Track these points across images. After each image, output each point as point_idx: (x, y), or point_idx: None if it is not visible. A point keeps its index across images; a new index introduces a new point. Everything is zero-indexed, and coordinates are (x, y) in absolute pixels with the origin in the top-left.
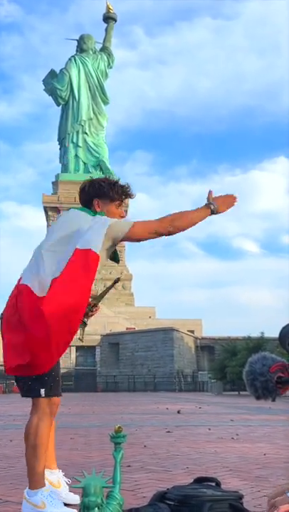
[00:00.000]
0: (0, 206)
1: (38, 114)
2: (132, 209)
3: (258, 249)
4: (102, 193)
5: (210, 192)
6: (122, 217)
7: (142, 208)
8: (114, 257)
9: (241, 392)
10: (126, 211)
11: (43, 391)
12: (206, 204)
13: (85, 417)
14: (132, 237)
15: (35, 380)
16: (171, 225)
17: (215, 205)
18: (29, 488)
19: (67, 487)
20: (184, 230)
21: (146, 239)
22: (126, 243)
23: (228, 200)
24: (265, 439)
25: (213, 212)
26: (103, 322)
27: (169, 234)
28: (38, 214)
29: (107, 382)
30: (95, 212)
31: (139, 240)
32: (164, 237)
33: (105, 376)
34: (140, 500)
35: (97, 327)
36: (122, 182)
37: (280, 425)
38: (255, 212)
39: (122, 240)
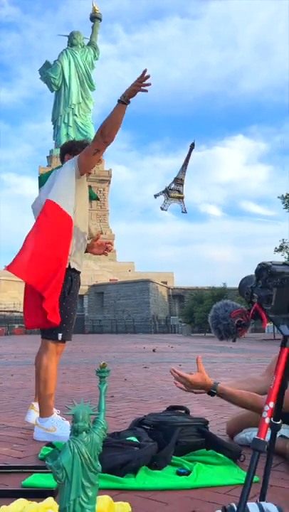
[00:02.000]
0: (1, 177)
1: (33, 99)
2: (114, 179)
3: (220, 213)
4: (70, 148)
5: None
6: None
7: (122, 178)
8: (91, 195)
9: (207, 334)
10: (109, 181)
11: (60, 335)
12: (118, 100)
13: (75, 355)
14: (85, 166)
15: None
16: (102, 137)
17: (125, 96)
18: (40, 417)
19: (59, 416)
20: (115, 132)
21: (96, 159)
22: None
23: (135, 87)
24: (227, 373)
25: (126, 102)
26: (90, 275)
27: (107, 143)
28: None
29: (93, 325)
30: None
31: (92, 165)
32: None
33: (92, 320)
34: (121, 426)
35: (84, 279)
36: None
37: (239, 362)
38: (217, 181)
39: (82, 173)
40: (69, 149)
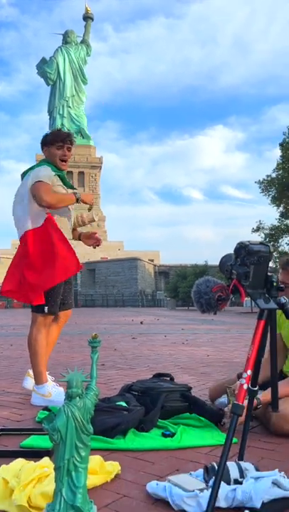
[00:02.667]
0: (1, 164)
1: (31, 92)
2: (105, 165)
3: (202, 196)
4: (46, 140)
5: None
6: (64, 155)
7: (112, 164)
8: (64, 183)
9: (190, 308)
10: (100, 168)
11: (46, 308)
12: (76, 195)
13: (69, 326)
14: (33, 192)
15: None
16: (45, 205)
17: (82, 199)
18: (36, 384)
19: (54, 382)
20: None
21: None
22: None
23: (89, 197)
24: (209, 344)
25: (77, 200)
26: (82, 253)
27: (48, 207)
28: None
29: (85, 299)
30: (44, 159)
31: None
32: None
33: (84, 295)
34: (112, 391)
35: (78, 257)
36: (63, 131)
37: (220, 333)
38: (199, 167)
39: (39, 205)
40: (46, 141)
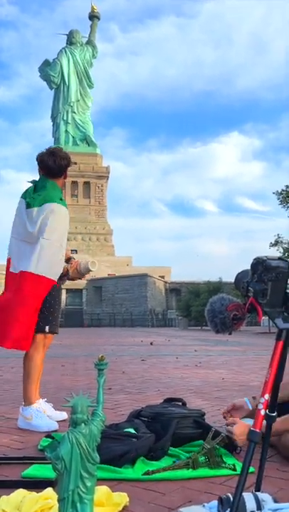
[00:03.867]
0: (1, 173)
1: (32, 97)
2: (112, 175)
3: (216, 208)
4: (51, 167)
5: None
6: (66, 178)
7: (119, 173)
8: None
9: (203, 327)
10: (107, 177)
11: (47, 328)
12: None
13: (74, 348)
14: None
15: (42, 319)
16: None
17: (71, 276)
18: (23, 405)
19: (51, 408)
20: None
21: None
22: (108, 201)
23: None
24: (223, 366)
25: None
26: None
27: None
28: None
29: (92, 319)
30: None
31: None
32: None
33: (90, 314)
34: (119, 417)
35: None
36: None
37: (235, 355)
38: (213, 177)
39: None
40: (51, 170)
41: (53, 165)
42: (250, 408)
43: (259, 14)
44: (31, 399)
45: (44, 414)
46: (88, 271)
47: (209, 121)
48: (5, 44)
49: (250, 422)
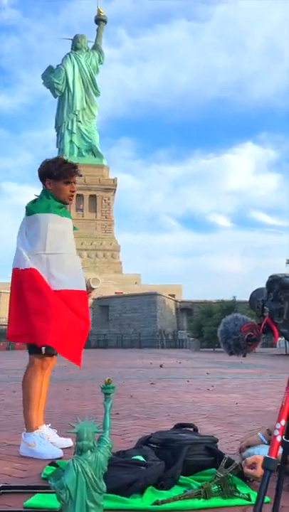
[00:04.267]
0: (1, 186)
1: (34, 105)
2: (119, 188)
3: (229, 223)
4: (49, 172)
5: None
6: (72, 191)
7: (126, 186)
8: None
9: (216, 349)
10: (114, 190)
11: (43, 349)
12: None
13: (78, 370)
14: None
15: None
16: None
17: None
18: (25, 431)
19: (55, 434)
20: None
21: None
22: (115, 215)
23: None
24: (237, 390)
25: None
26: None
27: None
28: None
29: (98, 340)
30: (45, 191)
31: None
32: None
33: (97, 335)
34: (127, 444)
35: None
36: (68, 162)
37: (250, 378)
38: (226, 190)
39: None
40: (48, 174)
41: (38, 170)
42: (266, 443)
43: (274, 18)
44: (33, 425)
45: (47, 441)
46: (90, 289)
47: (222, 131)
48: (6, 49)
49: (265, 447)
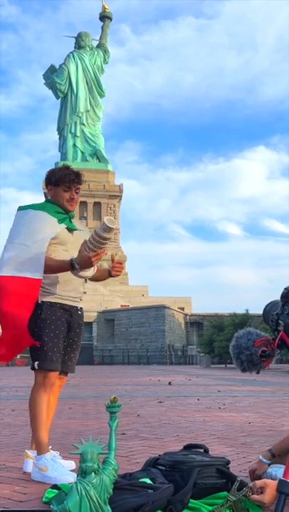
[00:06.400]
0: None
1: (33, 107)
2: (125, 194)
3: (240, 232)
4: (50, 178)
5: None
6: (72, 198)
7: (132, 193)
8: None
9: (228, 365)
10: (120, 197)
11: (36, 364)
12: (71, 262)
13: (83, 388)
14: None
15: (32, 355)
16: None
17: (79, 264)
18: (37, 454)
19: (58, 455)
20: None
21: None
22: (121, 224)
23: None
24: (250, 408)
25: (74, 268)
26: (99, 300)
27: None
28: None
29: (103, 355)
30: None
31: None
32: None
33: (101, 350)
34: (134, 466)
35: (93, 304)
36: (70, 169)
37: (263, 396)
38: (237, 197)
39: None
40: (49, 181)
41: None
42: (268, 464)
43: (286, 15)
44: (43, 447)
45: (60, 464)
46: (108, 229)
47: (232, 135)
48: (3, 48)
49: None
